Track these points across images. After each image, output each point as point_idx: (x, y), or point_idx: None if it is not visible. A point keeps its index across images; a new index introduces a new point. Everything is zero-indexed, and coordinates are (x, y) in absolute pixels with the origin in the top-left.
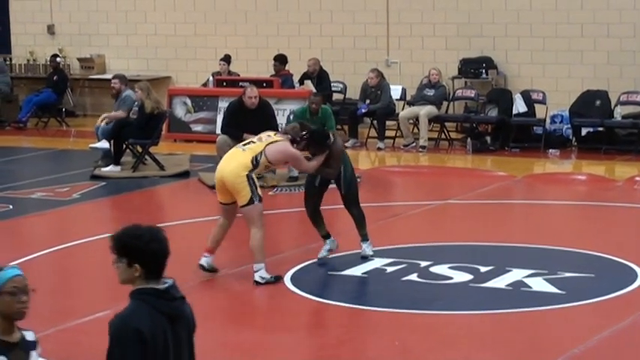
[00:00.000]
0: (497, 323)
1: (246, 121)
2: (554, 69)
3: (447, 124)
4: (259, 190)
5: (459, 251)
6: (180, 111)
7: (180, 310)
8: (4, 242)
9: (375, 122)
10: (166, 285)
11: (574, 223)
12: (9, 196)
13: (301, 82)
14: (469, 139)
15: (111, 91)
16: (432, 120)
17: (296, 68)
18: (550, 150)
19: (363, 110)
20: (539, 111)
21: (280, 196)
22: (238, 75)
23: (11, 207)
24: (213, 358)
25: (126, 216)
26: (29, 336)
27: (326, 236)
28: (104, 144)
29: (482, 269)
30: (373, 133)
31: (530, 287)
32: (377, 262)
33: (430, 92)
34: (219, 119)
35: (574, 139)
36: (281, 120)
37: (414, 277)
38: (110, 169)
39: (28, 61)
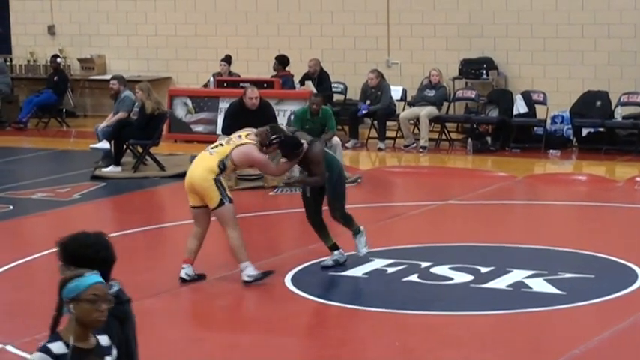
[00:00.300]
0: (497, 324)
1: (247, 121)
2: (554, 69)
3: (447, 124)
4: (228, 192)
5: (460, 252)
6: (180, 112)
7: (129, 312)
8: (4, 243)
9: (375, 123)
10: (116, 289)
11: (574, 224)
12: (9, 196)
13: (302, 82)
14: (470, 140)
15: (110, 92)
16: (433, 120)
17: (296, 69)
18: (550, 150)
19: (364, 111)
20: (540, 111)
21: (281, 197)
22: (239, 75)
23: (12, 207)
24: (212, 358)
25: (126, 216)
26: (103, 340)
27: (332, 247)
28: (105, 144)
29: (483, 270)
30: (374, 133)
31: (530, 288)
32: (377, 263)
33: (431, 93)
34: (220, 120)
35: (574, 139)
36: (282, 120)
37: (414, 277)
38: (111, 170)
39: (29, 61)
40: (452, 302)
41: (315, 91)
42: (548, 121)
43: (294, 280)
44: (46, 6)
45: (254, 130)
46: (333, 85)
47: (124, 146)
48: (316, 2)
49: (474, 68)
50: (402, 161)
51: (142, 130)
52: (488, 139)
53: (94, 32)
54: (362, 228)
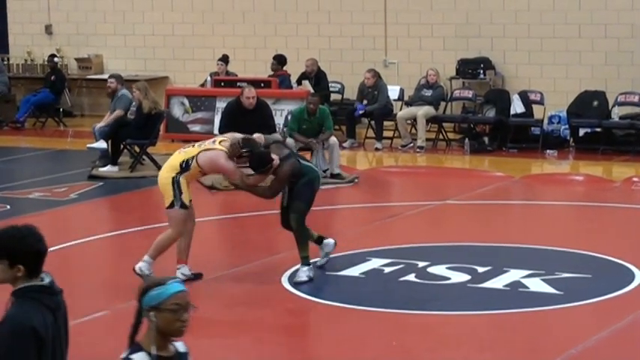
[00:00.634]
0: (494, 323)
1: (244, 121)
2: (551, 69)
3: (444, 124)
4: (184, 197)
5: (457, 252)
6: (177, 111)
7: (61, 302)
8: None
9: (372, 123)
10: (49, 280)
11: (571, 224)
12: (6, 196)
13: (299, 82)
14: (467, 140)
15: (107, 91)
16: (430, 120)
17: (294, 68)
18: (548, 150)
19: (361, 111)
20: (537, 111)
21: (278, 197)
22: (236, 75)
23: (9, 207)
24: (210, 359)
25: (123, 216)
26: (181, 347)
27: (318, 240)
28: (102, 144)
29: (480, 270)
30: (371, 133)
31: (527, 288)
32: (375, 263)
33: (428, 93)
34: (217, 119)
35: (572, 139)
36: (279, 120)
37: (411, 277)
38: (108, 170)
39: (26, 61)
40: (449, 302)
41: (312, 90)
42: (546, 121)
43: (291, 279)
44: (44, 5)
45: (234, 136)
46: (330, 84)
47: (121, 146)
48: (314, 2)
49: (471, 68)
50: (399, 161)
51: (139, 129)
52: (486, 139)
53: (92, 32)
54: (310, 263)
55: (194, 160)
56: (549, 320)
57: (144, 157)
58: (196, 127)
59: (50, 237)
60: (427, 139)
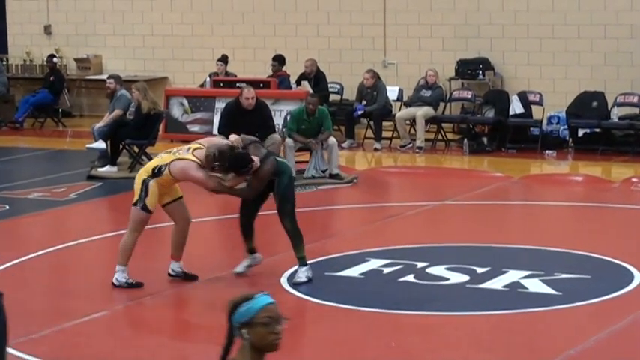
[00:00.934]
0: (493, 324)
1: (243, 121)
2: (550, 70)
3: (443, 125)
4: (148, 200)
5: (456, 252)
6: (177, 111)
7: (1, 305)
8: (0, 243)
9: (371, 123)
10: None
11: (570, 224)
12: (5, 196)
13: (298, 82)
14: (466, 140)
15: (106, 91)
16: (429, 121)
17: (293, 69)
18: (547, 151)
19: (360, 111)
20: (536, 112)
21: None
22: (235, 75)
23: (8, 207)
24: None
25: (122, 216)
26: None
27: (250, 251)
28: (101, 144)
29: (479, 270)
30: (370, 133)
31: (526, 288)
32: (374, 263)
33: (427, 93)
34: (216, 120)
35: (571, 140)
36: (278, 121)
37: (410, 277)
38: (107, 170)
39: (25, 61)
40: (448, 302)
41: (311, 91)
42: (545, 122)
43: (290, 280)
44: (43, 6)
45: (213, 144)
46: (329, 85)
47: (120, 146)
48: (313, 2)
49: (470, 69)
50: (398, 161)
51: (138, 129)
52: (485, 139)
53: (91, 32)
54: (307, 263)
55: (167, 168)
56: (548, 321)
57: (143, 157)
58: (195, 128)
59: (49, 237)
60: (426, 140)
